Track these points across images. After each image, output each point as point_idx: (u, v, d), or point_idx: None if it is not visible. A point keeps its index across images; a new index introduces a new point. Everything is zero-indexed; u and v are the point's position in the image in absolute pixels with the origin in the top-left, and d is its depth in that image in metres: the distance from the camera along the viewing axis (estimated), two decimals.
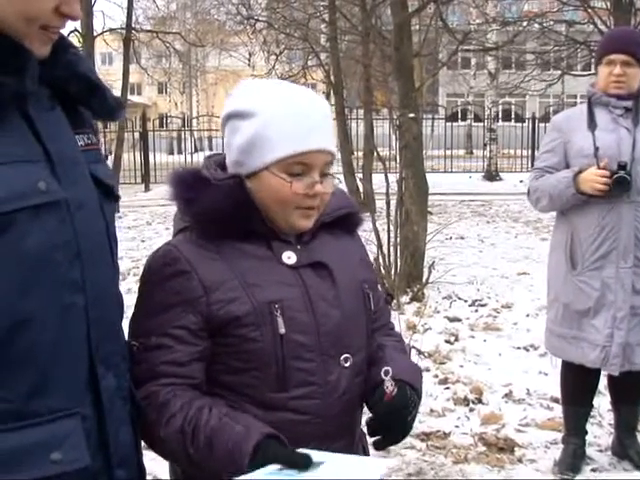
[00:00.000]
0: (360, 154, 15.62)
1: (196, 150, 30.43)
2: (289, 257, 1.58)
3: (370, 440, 1.65)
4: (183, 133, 34.82)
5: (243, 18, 15.89)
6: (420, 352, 5.54)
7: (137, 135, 22.43)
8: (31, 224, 1.16)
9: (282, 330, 1.52)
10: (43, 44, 1.22)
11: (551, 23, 15.27)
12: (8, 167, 1.15)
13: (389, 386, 1.55)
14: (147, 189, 20.54)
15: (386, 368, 1.58)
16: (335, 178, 1.63)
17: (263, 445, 1.39)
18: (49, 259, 1.19)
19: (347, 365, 1.61)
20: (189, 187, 1.57)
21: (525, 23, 14.97)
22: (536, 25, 14.78)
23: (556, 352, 3.80)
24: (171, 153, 32.31)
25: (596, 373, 3.76)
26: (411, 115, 7.12)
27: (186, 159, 24.30)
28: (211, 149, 35.66)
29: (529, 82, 17.23)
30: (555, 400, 4.69)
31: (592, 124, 3.54)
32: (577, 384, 3.80)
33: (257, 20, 15.28)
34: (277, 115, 1.52)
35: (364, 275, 1.74)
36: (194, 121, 41.87)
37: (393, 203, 7.22)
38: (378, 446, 1.60)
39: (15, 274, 1.15)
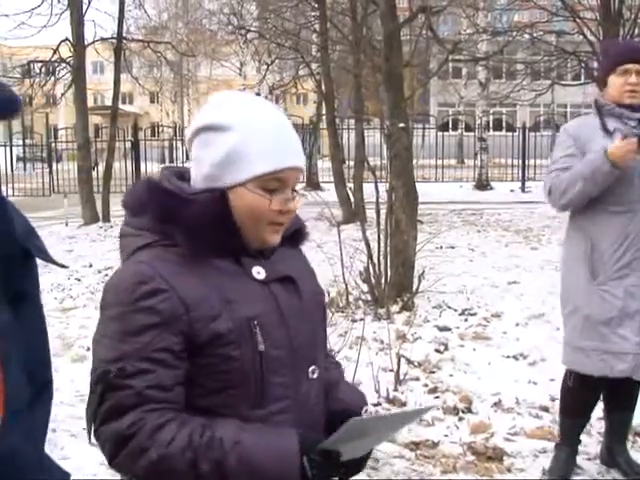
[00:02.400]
0: (352, 163, 15.65)
1: (188, 159, 30.42)
2: (258, 272, 1.57)
3: None
4: (175, 142, 34.81)
5: (235, 28, 15.91)
6: (410, 361, 5.53)
7: (128, 144, 22.41)
8: None
9: (262, 347, 1.51)
10: None
11: (541, 33, 15.38)
12: None
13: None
14: None
15: (366, 407, 1.65)
16: (301, 194, 1.63)
17: (302, 438, 1.47)
18: None
19: (315, 377, 1.62)
20: (161, 202, 1.53)
21: (515, 33, 15.05)
22: (526, 35, 14.86)
23: (573, 366, 3.70)
24: (163, 162, 32.30)
25: (603, 386, 3.74)
26: (401, 125, 7.14)
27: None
28: None
29: (519, 92, 17.31)
30: (544, 409, 4.70)
31: (607, 132, 3.54)
32: (583, 397, 3.77)
33: (248, 30, 15.31)
34: (255, 130, 1.51)
35: (317, 287, 1.76)
36: (186, 130, 41.88)
37: (383, 212, 7.23)
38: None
39: None
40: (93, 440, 1.50)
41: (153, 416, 1.44)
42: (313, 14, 15.10)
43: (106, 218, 15.43)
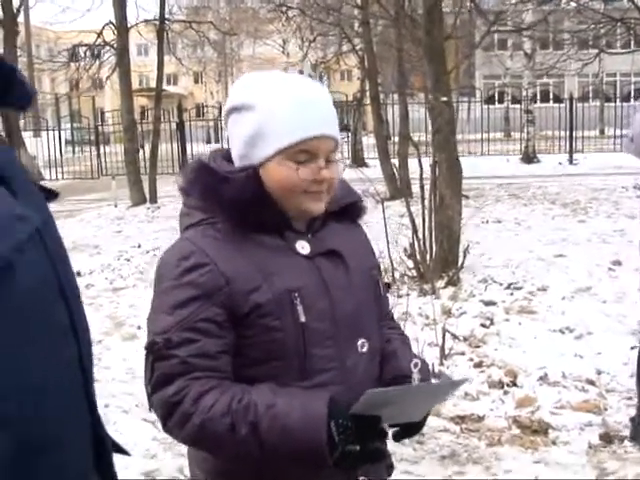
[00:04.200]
0: (396, 139, 15.57)
1: None
2: (303, 247, 1.61)
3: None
4: (219, 122, 34.99)
5: (276, 6, 15.88)
6: (455, 336, 5.55)
7: (174, 125, 22.61)
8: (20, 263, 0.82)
9: (302, 318, 1.55)
10: None
11: (587, 1, 15.04)
12: None
13: (416, 379, 1.57)
14: None
15: (415, 361, 1.61)
16: (342, 164, 1.66)
17: (332, 402, 1.48)
18: (43, 303, 0.86)
19: (364, 350, 1.65)
20: (204, 182, 1.60)
21: (561, 1, 14.76)
22: (572, 3, 14.56)
23: None
24: (208, 142, 32.52)
25: None
26: (443, 99, 7.09)
27: (226, 147, 24.45)
28: None
29: (566, 62, 17.01)
30: (590, 382, 4.69)
31: None
32: None
33: (289, 7, 15.28)
34: (277, 106, 1.55)
35: (372, 262, 1.79)
36: None
37: (428, 188, 7.22)
38: (396, 438, 1.64)
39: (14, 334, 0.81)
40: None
41: (197, 384, 1.50)
42: None
43: (153, 199, 15.61)
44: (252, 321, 1.54)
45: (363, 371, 1.64)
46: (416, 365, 1.59)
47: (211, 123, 34.90)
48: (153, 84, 18.81)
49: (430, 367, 1.77)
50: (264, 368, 1.57)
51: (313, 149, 1.56)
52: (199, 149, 20.94)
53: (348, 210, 1.75)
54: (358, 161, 20.15)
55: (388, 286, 1.96)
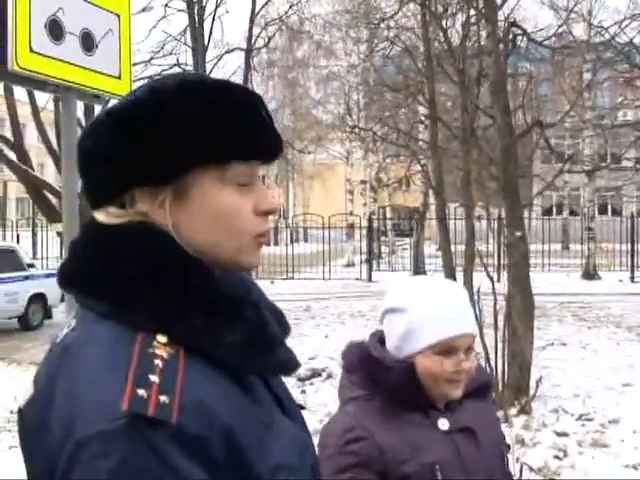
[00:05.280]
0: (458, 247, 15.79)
1: (292, 242, 31.32)
2: (443, 424, 1.96)
3: None
4: (278, 225, 35.85)
5: (348, 126, 16.61)
6: (531, 468, 5.75)
7: None
8: None
9: None
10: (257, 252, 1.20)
11: None
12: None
13: None
14: None
15: None
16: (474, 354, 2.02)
17: None
18: None
19: None
20: (368, 368, 1.97)
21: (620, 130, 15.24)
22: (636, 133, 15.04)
23: None
24: (268, 244, 33.24)
25: None
26: (518, 234, 7.50)
27: (284, 250, 25.16)
28: (306, 241, 36.56)
29: (628, 183, 17.38)
30: None
31: None
32: None
33: (361, 129, 15.97)
34: (424, 309, 1.93)
35: (499, 436, 2.12)
36: (290, 213, 43.03)
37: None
38: None
39: None
40: None
41: None
42: (422, 112, 15.72)
43: None
44: None
45: None
46: None
47: (271, 225, 35.77)
48: None
49: None
50: None
51: (455, 344, 1.93)
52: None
53: (480, 387, 2.10)
54: (419, 272, 20.52)
55: (508, 447, 2.31)
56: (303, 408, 1.35)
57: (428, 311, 1.92)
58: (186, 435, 0.98)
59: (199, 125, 1.12)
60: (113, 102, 1.21)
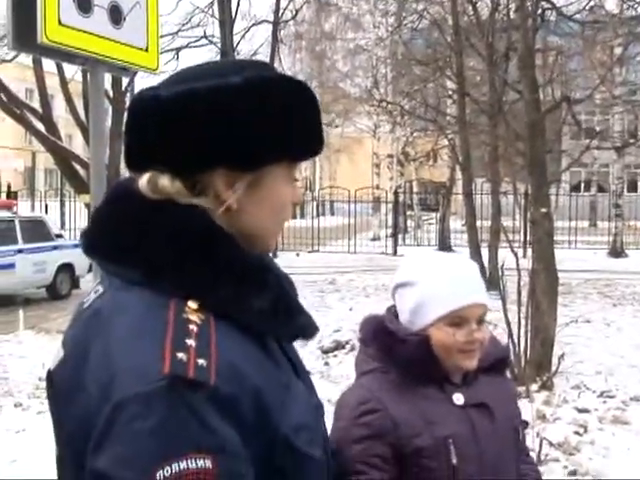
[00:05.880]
0: (484, 223, 15.75)
1: (318, 215, 31.37)
2: (458, 398, 1.98)
3: None
4: (306, 198, 35.86)
5: (375, 99, 16.53)
6: (551, 443, 5.78)
7: None
8: None
9: (454, 461, 1.90)
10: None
11: None
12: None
13: None
14: (274, 256, 21.41)
15: None
16: (488, 324, 2.06)
17: None
18: None
19: None
20: (383, 340, 2.00)
21: None
22: None
23: None
24: (294, 217, 33.34)
25: None
26: (543, 210, 7.47)
27: (310, 223, 25.22)
28: (332, 214, 36.61)
29: None
30: None
31: None
32: None
33: (389, 103, 15.88)
34: (434, 282, 1.96)
35: (515, 411, 2.14)
36: (317, 186, 43.02)
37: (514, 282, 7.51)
38: None
39: None
40: None
41: None
42: (450, 87, 15.60)
43: None
44: (413, 460, 1.90)
45: None
46: None
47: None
48: None
49: None
50: None
51: (466, 315, 1.95)
52: (286, 224, 21.51)
53: (496, 364, 2.13)
54: (445, 247, 20.51)
55: (526, 424, 2.34)
56: (308, 373, 1.41)
57: (437, 283, 1.95)
58: (221, 396, 1.02)
59: (292, 120, 1.18)
60: (203, 77, 1.19)
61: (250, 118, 1.14)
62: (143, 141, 1.19)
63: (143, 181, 1.18)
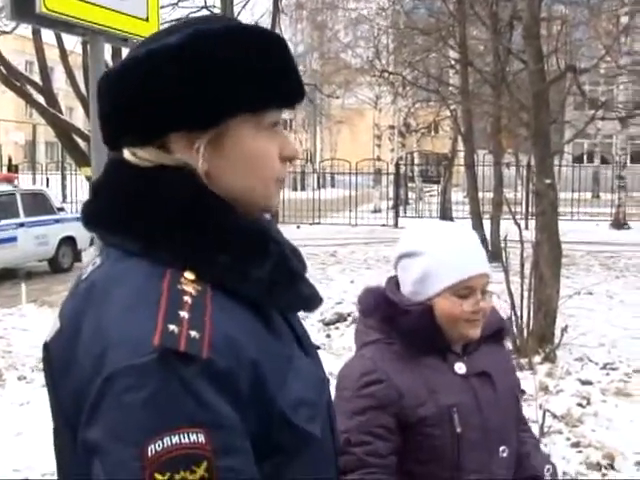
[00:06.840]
0: (485, 195, 15.68)
1: (319, 187, 31.30)
2: (460, 368, 1.99)
3: None
4: (305, 170, 35.77)
5: (377, 70, 16.41)
6: (554, 415, 5.79)
7: None
8: None
9: (459, 429, 1.92)
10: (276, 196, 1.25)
11: None
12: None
13: None
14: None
15: (548, 466, 1.99)
16: (492, 293, 2.04)
17: None
18: None
19: (504, 455, 2.01)
20: (385, 311, 2.00)
21: None
22: None
23: None
24: (295, 189, 33.33)
25: None
26: (547, 181, 7.42)
27: (311, 195, 25.16)
28: (333, 186, 36.52)
29: None
30: None
31: None
32: None
33: (391, 73, 15.77)
34: (440, 252, 1.95)
35: (514, 380, 2.16)
36: (317, 158, 42.84)
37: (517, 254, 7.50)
38: None
39: None
40: None
41: (369, 478, 1.88)
42: (453, 57, 15.47)
43: None
44: (418, 429, 1.92)
45: (504, 471, 2.01)
46: (549, 470, 1.97)
47: (298, 169, 35.75)
48: None
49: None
50: (423, 467, 1.94)
51: (472, 285, 1.95)
52: (286, 196, 21.47)
53: (496, 334, 2.14)
54: (446, 219, 20.46)
55: (522, 392, 2.34)
56: (318, 348, 1.37)
57: (445, 253, 1.94)
58: (215, 370, 1.00)
59: (242, 73, 1.13)
60: (149, 41, 1.17)
61: (185, 75, 1.10)
62: (106, 119, 1.18)
63: (127, 153, 1.17)
